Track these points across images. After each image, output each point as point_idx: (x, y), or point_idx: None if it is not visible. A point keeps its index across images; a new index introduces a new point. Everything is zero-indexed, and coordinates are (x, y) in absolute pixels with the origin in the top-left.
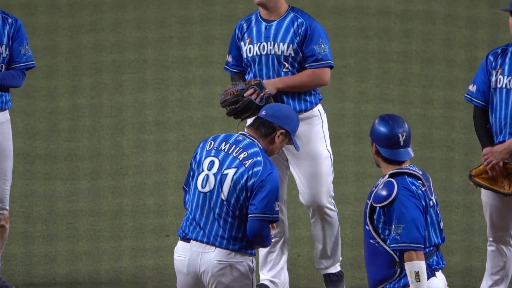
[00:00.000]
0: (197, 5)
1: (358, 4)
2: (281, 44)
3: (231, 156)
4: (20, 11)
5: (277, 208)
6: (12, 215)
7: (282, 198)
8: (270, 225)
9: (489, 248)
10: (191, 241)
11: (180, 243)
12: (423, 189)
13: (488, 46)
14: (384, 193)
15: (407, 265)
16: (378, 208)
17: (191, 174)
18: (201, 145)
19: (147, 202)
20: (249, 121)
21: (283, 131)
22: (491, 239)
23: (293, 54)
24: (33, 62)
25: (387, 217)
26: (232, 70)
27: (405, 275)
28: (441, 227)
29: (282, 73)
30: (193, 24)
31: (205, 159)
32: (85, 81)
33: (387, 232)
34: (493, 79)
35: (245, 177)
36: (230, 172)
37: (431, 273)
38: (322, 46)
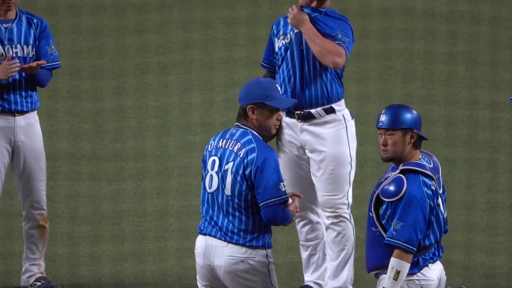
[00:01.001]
0: (242, 6)
1: (404, 5)
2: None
3: (228, 151)
4: (66, 12)
5: (283, 189)
6: (58, 215)
7: (312, 200)
8: (284, 205)
9: None
10: (207, 236)
11: (199, 237)
12: (433, 188)
13: None
14: (392, 188)
15: (392, 260)
16: (386, 201)
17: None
18: (207, 146)
19: (192, 203)
20: None
21: (250, 106)
22: None
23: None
24: (59, 62)
25: (391, 212)
26: (265, 66)
27: (412, 264)
28: (445, 219)
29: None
30: (239, 25)
31: (208, 159)
32: (130, 82)
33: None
34: None
35: (242, 167)
36: (229, 166)
37: (424, 265)
38: (340, 35)
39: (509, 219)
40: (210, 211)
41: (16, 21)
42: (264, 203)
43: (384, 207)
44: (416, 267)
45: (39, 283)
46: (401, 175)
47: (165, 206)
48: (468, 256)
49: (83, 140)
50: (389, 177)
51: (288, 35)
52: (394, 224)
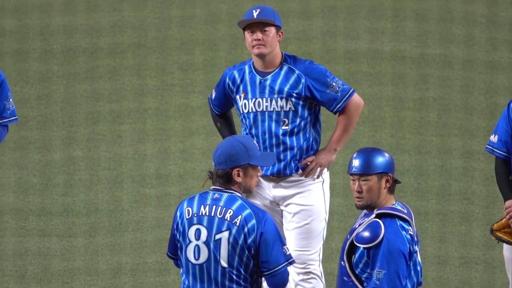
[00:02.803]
0: (200, 50)
1: (372, 49)
2: (279, 99)
3: (216, 219)
4: (13, 58)
5: (288, 252)
6: (4, 274)
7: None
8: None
9: None
10: None
11: None
12: (411, 233)
13: (510, 92)
14: (368, 234)
15: None
16: (361, 248)
17: (178, 246)
18: (178, 213)
19: (148, 260)
20: None
21: (236, 169)
22: None
23: (293, 109)
24: (16, 117)
25: (370, 260)
26: (214, 111)
27: None
28: (420, 270)
29: (280, 130)
30: (196, 71)
31: (189, 229)
32: (82, 132)
33: (366, 273)
34: None
35: (242, 236)
36: (223, 235)
37: None
38: (333, 84)
39: (484, 275)
40: (199, 285)
41: None
42: (272, 271)
43: (357, 255)
44: None
45: None
46: (377, 219)
47: (118, 263)
48: None
49: (31, 194)
50: (363, 223)
51: (250, 103)
52: (376, 274)
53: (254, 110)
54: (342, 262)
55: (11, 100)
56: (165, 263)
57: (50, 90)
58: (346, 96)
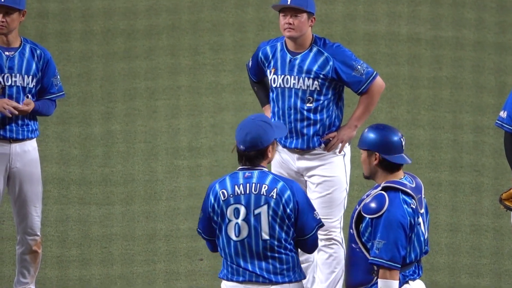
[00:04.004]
0: (229, 32)
1: (389, 31)
2: (306, 79)
3: (253, 195)
4: (55, 39)
5: (318, 217)
6: (47, 239)
7: None
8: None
9: None
10: (244, 283)
11: (230, 284)
12: (413, 206)
13: None
14: (373, 205)
15: (379, 282)
16: (367, 218)
17: (216, 227)
18: (211, 196)
19: (180, 226)
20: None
21: (269, 146)
22: None
23: (318, 89)
24: (63, 92)
25: (372, 229)
26: (252, 77)
27: None
28: (426, 240)
29: (305, 107)
30: (226, 51)
31: (226, 209)
32: (119, 107)
33: (371, 242)
34: None
35: (281, 207)
36: (263, 209)
37: (404, 281)
38: (359, 67)
39: (493, 241)
40: (241, 259)
41: (19, 50)
42: (307, 236)
43: (364, 224)
44: None
45: None
46: (382, 192)
47: (153, 229)
48: (453, 278)
49: (73, 165)
50: (370, 194)
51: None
52: (377, 243)
53: (282, 85)
54: (351, 230)
55: (58, 76)
56: (196, 229)
57: (90, 68)
58: (370, 79)
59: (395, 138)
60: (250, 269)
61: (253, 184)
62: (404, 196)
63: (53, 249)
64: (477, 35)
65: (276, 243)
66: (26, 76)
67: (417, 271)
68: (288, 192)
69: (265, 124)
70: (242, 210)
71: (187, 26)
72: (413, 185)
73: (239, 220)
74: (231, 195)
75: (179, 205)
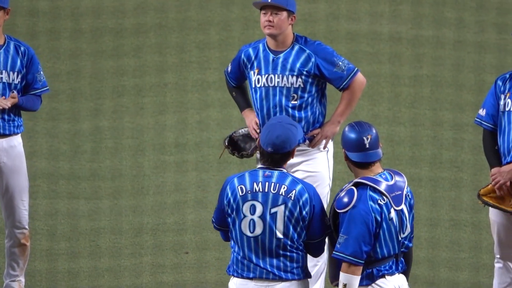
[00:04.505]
0: (215, 31)
1: (371, 30)
2: (290, 76)
3: (271, 194)
4: (45, 37)
5: (328, 223)
6: (37, 233)
7: None
8: None
9: (497, 265)
10: (254, 279)
11: (241, 281)
12: (382, 203)
13: (496, 70)
14: (345, 200)
15: (341, 275)
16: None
17: (230, 220)
18: (229, 190)
19: (167, 220)
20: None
21: (295, 148)
22: (498, 256)
23: (302, 85)
24: (47, 87)
25: (340, 224)
26: (230, 82)
27: (364, 276)
28: (407, 236)
29: (290, 104)
30: (212, 49)
31: (243, 204)
32: (107, 104)
33: None
34: (502, 102)
35: (298, 209)
36: (279, 209)
37: (379, 276)
38: (340, 63)
39: (472, 236)
40: (253, 255)
41: (3, 47)
42: (317, 240)
43: (340, 218)
44: (369, 279)
45: None
46: (353, 187)
47: (140, 223)
48: (433, 272)
49: (62, 160)
50: (343, 189)
51: (263, 78)
52: (340, 238)
53: (266, 85)
54: (330, 225)
55: (41, 72)
56: (182, 223)
57: (79, 66)
58: (352, 75)
59: (354, 136)
60: (261, 265)
61: (272, 184)
62: (371, 193)
63: (43, 242)
64: (457, 34)
65: (289, 242)
66: (11, 73)
67: (394, 266)
68: (306, 195)
69: (293, 127)
70: (259, 207)
71: (174, 25)
72: (391, 182)
73: (255, 217)
74: (249, 191)
75: (166, 199)
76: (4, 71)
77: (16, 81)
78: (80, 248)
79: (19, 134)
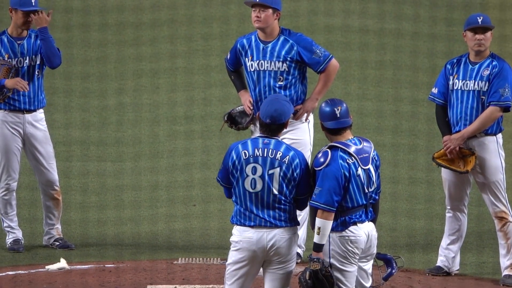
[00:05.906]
0: (217, 24)
1: (344, 24)
2: (277, 62)
3: (269, 158)
4: (78, 30)
5: (311, 183)
6: (72, 189)
7: None
8: None
9: (447, 215)
10: (254, 227)
11: (243, 228)
12: (350, 162)
13: (446, 56)
14: (321, 160)
15: (317, 220)
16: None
17: (234, 179)
18: (234, 154)
19: (178, 178)
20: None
21: (288, 119)
22: (448, 207)
23: (287, 69)
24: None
25: (316, 178)
26: (229, 67)
27: (339, 223)
28: (374, 190)
29: (277, 85)
30: (214, 39)
31: (246, 166)
32: (129, 84)
33: None
34: (451, 82)
35: (290, 171)
36: (276, 171)
37: (351, 223)
38: (317, 51)
39: (426, 191)
40: (254, 207)
41: (26, 39)
42: (302, 197)
43: (316, 174)
44: (343, 225)
45: (57, 243)
46: (327, 149)
47: (156, 181)
48: (395, 220)
49: (92, 130)
50: (320, 151)
51: (255, 64)
52: (315, 190)
53: (257, 69)
54: (310, 181)
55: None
56: (190, 181)
57: (106, 53)
58: (327, 60)
59: (328, 109)
60: (260, 215)
61: (270, 150)
62: (341, 153)
63: (77, 196)
64: (414, 27)
65: (283, 197)
66: (34, 56)
67: (363, 215)
68: (297, 160)
69: (286, 103)
70: (259, 169)
71: (183, 19)
72: (359, 146)
73: (256, 176)
74: (251, 156)
75: (177, 161)
76: (27, 57)
77: (38, 61)
78: (107, 201)
79: (42, 108)
